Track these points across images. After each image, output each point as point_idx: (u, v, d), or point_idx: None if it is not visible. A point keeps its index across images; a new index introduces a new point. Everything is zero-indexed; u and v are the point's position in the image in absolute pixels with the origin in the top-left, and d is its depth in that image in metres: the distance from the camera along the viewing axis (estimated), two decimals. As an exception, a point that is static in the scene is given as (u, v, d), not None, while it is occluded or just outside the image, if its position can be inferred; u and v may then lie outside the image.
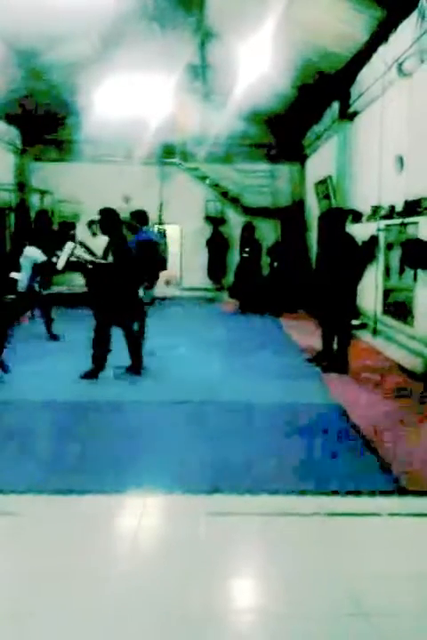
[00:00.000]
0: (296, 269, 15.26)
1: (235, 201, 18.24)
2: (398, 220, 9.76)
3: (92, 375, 7.12)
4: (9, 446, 4.96)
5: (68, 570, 3.22)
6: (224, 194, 18.25)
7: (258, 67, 11.59)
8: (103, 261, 7.24)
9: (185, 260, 18.73)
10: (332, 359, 7.94)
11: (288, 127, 17.20)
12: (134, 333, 7.45)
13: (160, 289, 18.44)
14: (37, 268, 9.51)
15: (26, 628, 2.74)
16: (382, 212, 10.48)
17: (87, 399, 6.34)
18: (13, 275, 9.48)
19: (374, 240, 10.83)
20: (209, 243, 18.35)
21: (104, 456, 4.78)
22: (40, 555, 3.39)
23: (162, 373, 7.51)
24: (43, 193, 17.79)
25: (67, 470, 4.48)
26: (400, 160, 9.55)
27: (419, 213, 8.77)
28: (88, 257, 7.42)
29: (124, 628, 2.76)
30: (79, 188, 17.04)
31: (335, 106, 13.60)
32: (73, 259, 7.49)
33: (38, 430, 5.37)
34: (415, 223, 8.97)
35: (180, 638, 2.71)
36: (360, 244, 9.38)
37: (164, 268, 18.12)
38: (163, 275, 18.98)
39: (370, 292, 10.84)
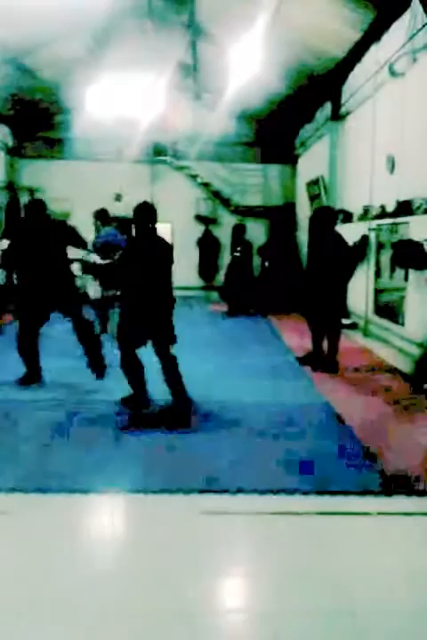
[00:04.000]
0: (287, 269, 15.26)
1: (226, 200, 18.23)
2: (389, 220, 9.78)
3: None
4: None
5: (59, 569, 3.20)
6: (215, 193, 18.23)
7: (249, 66, 11.57)
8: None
9: (176, 259, 18.66)
10: (321, 359, 7.94)
11: (280, 127, 17.20)
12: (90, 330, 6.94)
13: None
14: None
15: (16, 627, 2.72)
16: (374, 212, 10.50)
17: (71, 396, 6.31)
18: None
19: (364, 240, 10.85)
20: (200, 242, 18.32)
21: (96, 455, 4.76)
22: (28, 554, 3.36)
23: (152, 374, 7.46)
24: (33, 191, 17.69)
25: (57, 470, 4.44)
26: (392, 160, 9.56)
27: (410, 213, 8.79)
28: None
29: (116, 627, 2.74)
30: (70, 186, 16.95)
31: (327, 106, 13.62)
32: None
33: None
34: (406, 223, 8.99)
35: (173, 637, 2.69)
36: (351, 244, 9.39)
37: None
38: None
39: (361, 291, 10.86)
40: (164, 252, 5.95)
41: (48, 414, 5.67)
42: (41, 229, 6.74)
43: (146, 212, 5.88)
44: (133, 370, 5.85)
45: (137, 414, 5.76)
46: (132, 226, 5.90)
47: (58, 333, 7.89)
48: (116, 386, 6.13)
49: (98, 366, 6.90)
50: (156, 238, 5.93)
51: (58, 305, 6.72)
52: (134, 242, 6.02)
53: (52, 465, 4.53)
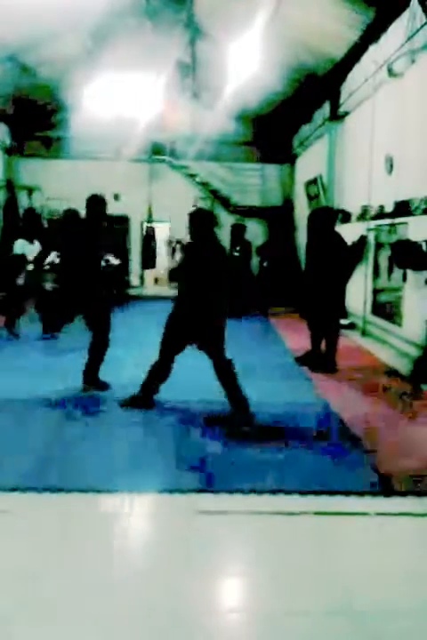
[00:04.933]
0: (286, 269, 15.25)
1: (224, 200, 18.22)
2: (387, 221, 9.78)
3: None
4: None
5: (58, 568, 3.19)
6: (214, 192, 18.22)
7: (248, 66, 11.58)
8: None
9: (174, 259, 18.67)
10: (320, 359, 7.94)
11: (278, 126, 17.20)
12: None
13: (149, 287, 18.52)
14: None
15: (17, 626, 2.71)
16: (372, 213, 10.50)
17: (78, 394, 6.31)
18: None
19: (363, 240, 10.85)
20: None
21: (97, 454, 4.75)
22: (27, 552, 3.35)
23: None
24: (31, 190, 17.67)
25: (55, 468, 4.43)
26: (390, 160, 9.56)
27: (409, 214, 8.79)
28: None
29: (113, 626, 2.73)
30: (68, 185, 16.91)
31: (326, 106, 13.62)
32: None
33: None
34: (405, 223, 8.99)
35: (170, 637, 2.68)
36: (350, 244, 9.39)
37: (153, 265, 18.16)
38: (152, 273, 19.04)
39: (359, 292, 10.86)
40: (221, 256, 5.96)
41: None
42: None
43: (203, 218, 5.96)
44: (160, 374, 5.85)
45: (137, 398, 5.88)
46: (190, 231, 5.92)
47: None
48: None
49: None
50: (214, 243, 5.93)
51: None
52: (193, 247, 5.98)
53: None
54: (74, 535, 3.59)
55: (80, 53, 13.59)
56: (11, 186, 17.31)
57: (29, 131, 17.49)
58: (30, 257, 9.61)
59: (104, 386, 6.52)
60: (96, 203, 6.55)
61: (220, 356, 5.72)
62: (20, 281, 9.56)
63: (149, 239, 17.73)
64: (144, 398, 5.92)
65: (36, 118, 17.09)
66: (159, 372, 5.87)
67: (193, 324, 5.68)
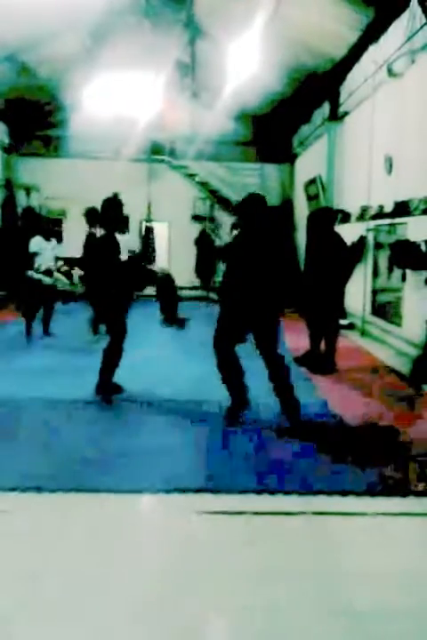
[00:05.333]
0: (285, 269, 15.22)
1: (224, 200, 18.21)
2: (387, 221, 9.77)
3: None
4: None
5: (59, 568, 3.18)
6: (213, 192, 18.21)
7: (248, 65, 11.57)
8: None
9: (173, 258, 18.66)
10: (319, 359, 7.93)
11: (278, 126, 17.20)
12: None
13: (149, 287, 18.48)
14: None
15: (17, 626, 2.70)
16: (371, 213, 10.49)
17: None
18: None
19: (362, 240, 10.84)
20: (197, 241, 18.29)
21: (98, 452, 4.74)
22: (29, 553, 3.35)
23: (150, 372, 7.45)
24: (30, 189, 17.66)
25: (60, 468, 4.42)
26: (389, 161, 9.56)
27: (408, 214, 8.78)
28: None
29: (114, 626, 2.73)
30: (67, 184, 16.92)
31: (325, 105, 13.61)
32: None
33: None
34: (404, 224, 8.99)
35: (170, 636, 2.67)
36: (349, 244, 9.38)
37: (150, 263, 18.15)
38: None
39: (358, 292, 10.85)
40: (275, 244, 5.57)
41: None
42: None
43: (255, 205, 5.61)
44: (233, 370, 5.55)
45: (234, 410, 5.56)
46: (241, 219, 5.61)
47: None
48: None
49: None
50: (266, 231, 5.54)
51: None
52: (244, 236, 5.65)
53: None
54: (74, 535, 3.58)
55: (79, 53, 13.57)
56: (9, 185, 17.30)
57: (28, 130, 17.47)
58: (47, 254, 9.52)
59: (118, 389, 6.37)
60: (114, 205, 6.36)
61: (274, 352, 5.44)
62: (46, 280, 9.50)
63: (148, 239, 17.72)
64: (240, 403, 5.64)
65: (34, 117, 17.07)
66: (234, 371, 5.56)
67: (251, 315, 5.36)
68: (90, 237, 9.56)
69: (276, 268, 5.47)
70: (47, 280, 9.46)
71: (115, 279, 6.18)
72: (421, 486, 4.23)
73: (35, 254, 9.33)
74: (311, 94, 13.91)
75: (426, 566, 3.37)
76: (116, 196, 6.40)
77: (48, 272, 9.49)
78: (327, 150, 13.43)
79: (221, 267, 5.96)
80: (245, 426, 5.41)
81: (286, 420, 5.48)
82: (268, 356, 5.45)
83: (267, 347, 5.43)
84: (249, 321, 5.43)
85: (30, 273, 9.28)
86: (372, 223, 10.56)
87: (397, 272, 9.37)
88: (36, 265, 9.30)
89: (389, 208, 9.57)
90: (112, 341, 6.22)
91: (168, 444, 4.98)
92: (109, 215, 6.30)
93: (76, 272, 10.70)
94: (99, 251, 6.39)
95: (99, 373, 6.23)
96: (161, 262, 17.72)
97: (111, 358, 6.19)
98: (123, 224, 6.46)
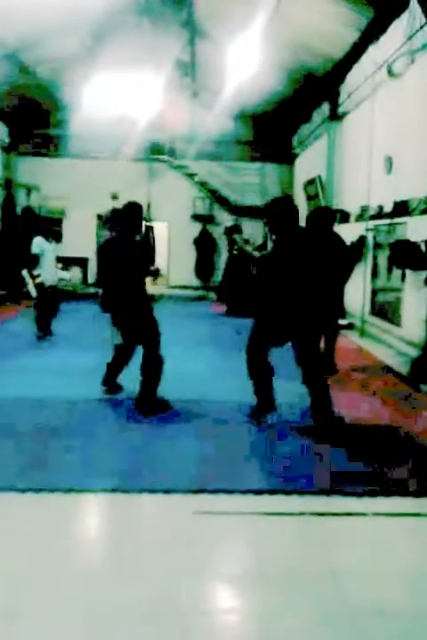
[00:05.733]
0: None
1: (223, 199, 18.22)
2: (386, 221, 9.78)
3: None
4: None
5: (55, 568, 3.18)
6: (213, 192, 18.22)
7: (247, 65, 11.57)
8: None
9: (173, 258, 18.69)
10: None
11: (278, 126, 17.22)
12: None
13: (148, 287, 18.48)
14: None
15: (14, 627, 2.71)
16: (371, 213, 10.50)
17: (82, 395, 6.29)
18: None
19: (362, 240, 10.85)
20: (197, 241, 18.30)
21: (98, 451, 4.75)
22: (23, 553, 3.34)
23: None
24: (29, 189, 17.67)
25: (51, 468, 4.42)
26: (389, 161, 9.57)
27: (407, 214, 8.79)
28: None
29: (109, 626, 2.73)
30: (66, 184, 16.93)
31: (325, 105, 13.62)
32: None
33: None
34: (404, 224, 9.00)
35: (166, 637, 2.68)
36: (348, 244, 9.38)
37: (152, 264, 18.15)
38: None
39: (358, 292, 10.86)
40: (314, 247, 5.48)
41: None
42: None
43: (286, 209, 5.46)
44: (264, 375, 5.54)
45: (258, 410, 5.56)
46: (273, 223, 5.43)
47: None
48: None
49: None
50: (303, 235, 5.54)
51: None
52: (282, 240, 5.46)
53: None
54: (74, 535, 3.59)
55: (79, 52, 13.58)
56: (9, 184, 17.30)
57: (28, 129, 17.48)
58: (50, 254, 9.51)
59: (118, 388, 6.33)
60: (137, 210, 6.15)
61: (311, 354, 5.36)
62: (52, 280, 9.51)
63: (147, 238, 17.73)
64: (266, 404, 5.63)
65: (34, 117, 17.08)
66: (263, 376, 5.57)
67: (294, 326, 5.29)
68: (114, 242, 9.47)
69: (318, 275, 5.38)
70: (52, 281, 9.50)
71: (144, 285, 6.11)
72: (421, 486, 4.24)
73: (38, 255, 9.31)
74: (311, 94, 13.92)
75: (426, 566, 3.38)
76: (135, 202, 6.28)
77: (52, 273, 9.53)
78: (327, 150, 13.43)
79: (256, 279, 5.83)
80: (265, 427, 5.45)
81: (315, 422, 5.42)
82: (302, 360, 5.40)
83: (309, 357, 5.37)
84: (292, 332, 5.38)
85: (36, 273, 9.29)
86: (371, 223, 10.57)
87: (396, 272, 9.38)
88: (39, 266, 9.29)
89: (388, 208, 9.58)
90: (151, 352, 5.89)
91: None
92: (134, 219, 6.14)
93: (76, 273, 10.70)
94: (137, 256, 6.14)
95: (143, 390, 5.90)
96: (161, 263, 17.77)
97: (157, 370, 5.88)
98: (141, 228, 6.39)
